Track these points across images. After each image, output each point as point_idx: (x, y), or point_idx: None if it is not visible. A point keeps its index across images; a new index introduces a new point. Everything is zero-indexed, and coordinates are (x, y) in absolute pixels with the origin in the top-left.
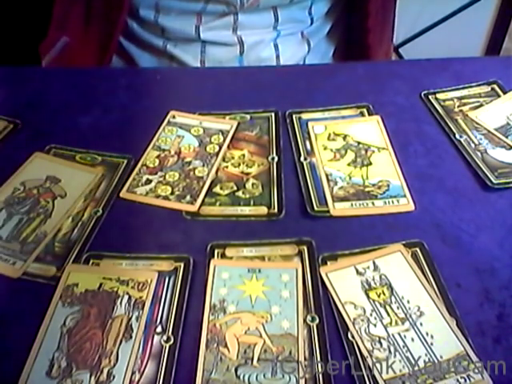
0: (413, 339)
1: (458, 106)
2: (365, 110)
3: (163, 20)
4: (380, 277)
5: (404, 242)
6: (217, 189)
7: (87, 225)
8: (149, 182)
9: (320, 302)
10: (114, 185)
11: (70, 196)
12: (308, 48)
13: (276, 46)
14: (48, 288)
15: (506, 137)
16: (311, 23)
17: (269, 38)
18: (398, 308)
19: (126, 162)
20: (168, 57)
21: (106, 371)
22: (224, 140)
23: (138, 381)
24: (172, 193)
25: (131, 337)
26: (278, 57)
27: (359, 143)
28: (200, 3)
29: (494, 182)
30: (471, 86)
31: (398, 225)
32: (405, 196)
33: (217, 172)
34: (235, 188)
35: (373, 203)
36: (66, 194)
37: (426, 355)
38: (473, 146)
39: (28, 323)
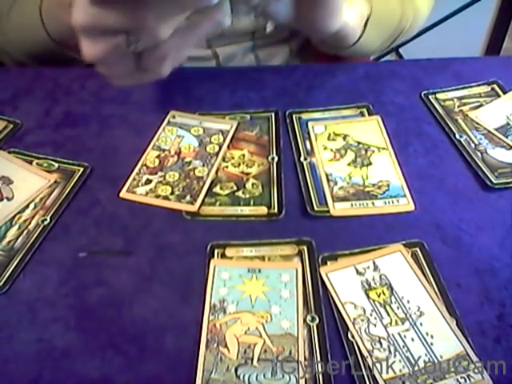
0: (413, 339)
1: (458, 106)
2: (365, 110)
3: None
4: (380, 277)
5: (404, 242)
6: (217, 189)
7: (33, 233)
8: (149, 182)
9: (320, 302)
10: (66, 193)
11: (17, 200)
12: (290, 50)
13: (256, 56)
14: None
15: (506, 137)
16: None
17: (245, 48)
18: (398, 308)
19: (81, 170)
20: None
21: None
22: (224, 140)
23: None
24: (172, 193)
25: None
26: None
27: (359, 143)
28: None
29: (494, 181)
30: (471, 86)
31: (398, 225)
32: (405, 196)
33: (217, 172)
34: (235, 188)
35: (373, 203)
36: (14, 196)
37: (426, 355)
38: (473, 145)
39: None
